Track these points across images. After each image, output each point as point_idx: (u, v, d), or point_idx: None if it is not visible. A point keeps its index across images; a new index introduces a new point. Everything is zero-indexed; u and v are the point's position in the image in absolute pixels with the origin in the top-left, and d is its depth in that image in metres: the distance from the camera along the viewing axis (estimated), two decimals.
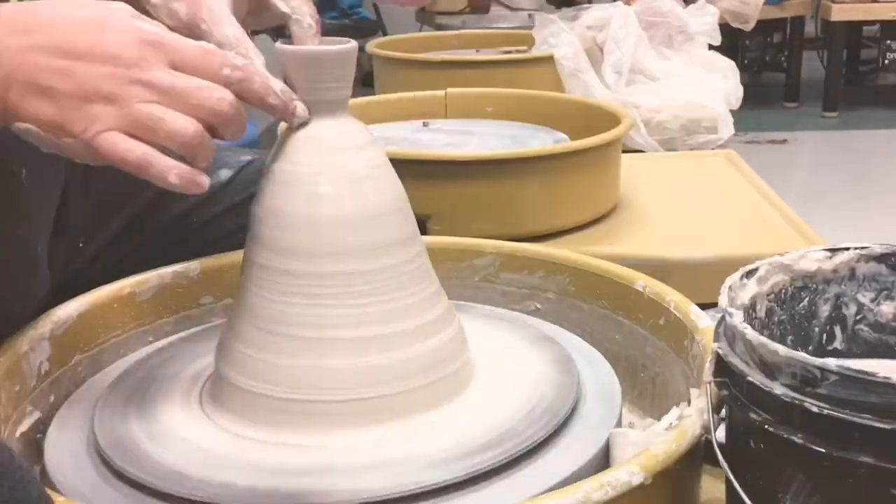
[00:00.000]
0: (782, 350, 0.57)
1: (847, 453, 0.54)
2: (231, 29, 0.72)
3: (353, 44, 0.73)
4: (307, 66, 0.72)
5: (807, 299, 0.72)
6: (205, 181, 0.67)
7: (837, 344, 0.73)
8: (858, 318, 0.72)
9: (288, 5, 0.74)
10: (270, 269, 0.71)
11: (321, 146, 0.72)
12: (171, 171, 0.65)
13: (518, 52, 2.40)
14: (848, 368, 0.54)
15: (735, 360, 0.61)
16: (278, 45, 0.73)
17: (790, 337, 0.72)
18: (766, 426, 0.58)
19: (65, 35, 0.65)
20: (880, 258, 0.71)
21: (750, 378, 0.59)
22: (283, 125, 0.75)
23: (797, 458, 0.57)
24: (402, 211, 0.74)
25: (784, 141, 4.15)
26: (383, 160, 0.74)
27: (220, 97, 0.66)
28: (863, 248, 0.71)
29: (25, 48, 0.64)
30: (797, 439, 0.56)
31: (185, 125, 0.65)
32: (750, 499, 0.59)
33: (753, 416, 0.59)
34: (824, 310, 0.72)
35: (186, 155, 0.66)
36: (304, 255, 0.70)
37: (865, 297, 0.72)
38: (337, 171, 0.72)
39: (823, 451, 0.55)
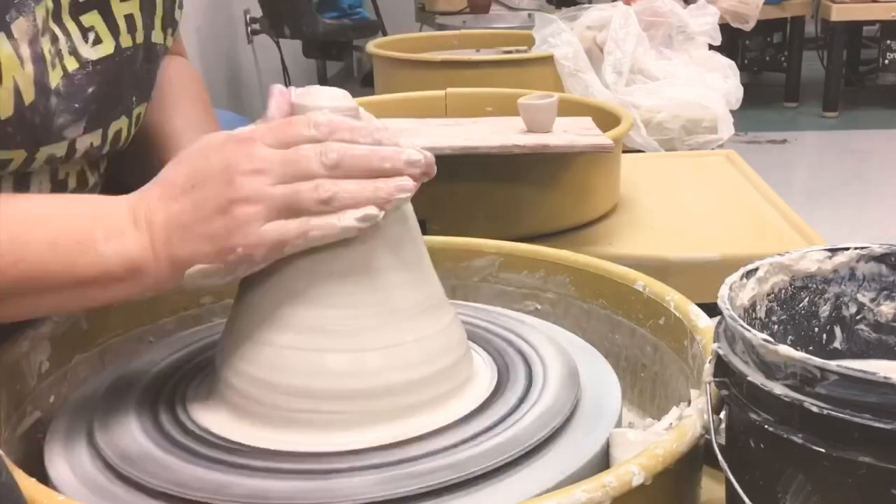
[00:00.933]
0: (782, 350, 0.57)
1: (847, 453, 0.54)
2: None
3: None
4: None
5: (807, 299, 0.72)
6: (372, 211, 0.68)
7: (837, 344, 0.73)
8: (858, 318, 0.72)
9: None
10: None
11: None
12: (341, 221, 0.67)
13: (518, 51, 2.40)
14: (848, 368, 0.54)
15: (735, 360, 0.61)
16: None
17: (790, 337, 0.72)
18: (765, 426, 0.58)
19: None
20: (880, 258, 0.71)
21: (750, 378, 0.59)
22: None
23: (797, 457, 0.57)
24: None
25: (784, 141, 4.15)
26: None
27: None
28: (863, 247, 0.71)
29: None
30: (797, 439, 0.56)
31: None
32: (750, 499, 0.59)
33: (753, 415, 0.59)
34: (824, 310, 0.72)
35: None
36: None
37: (865, 297, 0.72)
38: None
39: (823, 450, 0.55)
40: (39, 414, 0.78)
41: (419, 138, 1.29)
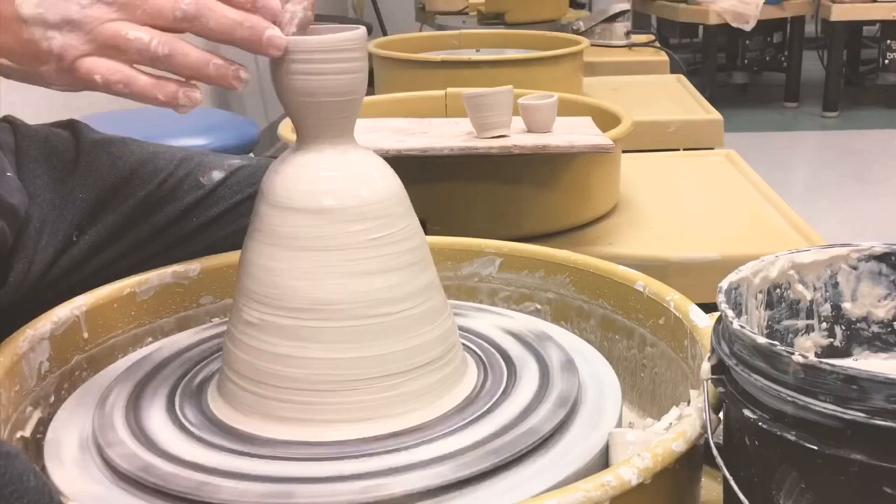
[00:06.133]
0: (778, 348, 0.57)
1: (839, 451, 0.54)
2: None
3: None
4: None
5: (806, 298, 0.72)
6: (194, 95, 0.66)
7: (837, 342, 0.73)
8: (857, 316, 0.72)
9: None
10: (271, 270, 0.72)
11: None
12: (153, 88, 0.65)
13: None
14: (845, 367, 0.54)
15: (731, 358, 0.61)
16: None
17: (790, 335, 0.72)
18: (759, 423, 0.58)
19: None
20: (881, 257, 0.71)
21: (745, 375, 0.59)
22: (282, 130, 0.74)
23: (790, 455, 0.57)
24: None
25: (783, 141, 4.15)
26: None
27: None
28: (863, 246, 0.71)
29: None
30: (790, 437, 0.56)
31: (147, 37, 0.64)
32: (745, 496, 0.59)
33: (748, 413, 0.59)
34: (824, 308, 0.72)
35: (164, 68, 0.65)
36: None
37: (865, 296, 0.72)
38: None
39: (816, 448, 0.55)
40: (39, 414, 0.78)
41: (419, 139, 1.30)
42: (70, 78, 0.67)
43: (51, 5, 0.65)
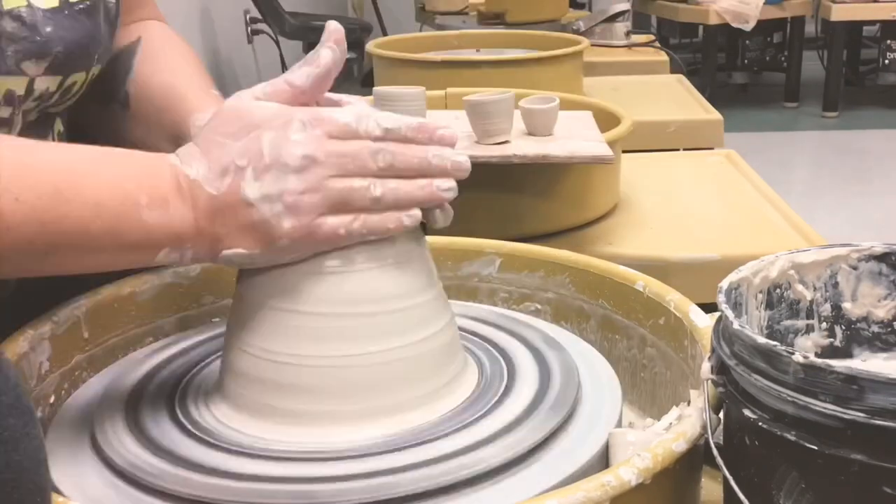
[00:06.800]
0: (778, 348, 0.57)
1: (839, 451, 0.54)
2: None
3: None
4: None
5: (806, 298, 0.72)
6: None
7: (837, 343, 0.73)
8: (857, 316, 0.72)
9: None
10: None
11: None
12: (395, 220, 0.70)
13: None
14: (844, 367, 0.54)
15: (731, 358, 0.61)
16: None
17: (790, 336, 0.72)
18: (759, 423, 0.58)
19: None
20: (881, 257, 0.71)
21: (745, 375, 0.59)
22: None
23: (790, 455, 0.57)
24: None
25: (783, 141, 4.15)
26: None
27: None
28: (863, 246, 0.71)
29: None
30: (790, 437, 0.56)
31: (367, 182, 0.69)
32: (745, 496, 0.59)
33: (748, 413, 0.59)
34: (824, 308, 0.72)
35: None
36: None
37: (865, 296, 0.72)
38: None
39: (816, 448, 0.55)
40: (39, 414, 0.78)
41: None
42: (320, 246, 0.70)
43: (270, 183, 0.67)
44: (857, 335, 0.73)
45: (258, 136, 0.68)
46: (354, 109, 0.71)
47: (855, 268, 0.71)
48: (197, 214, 0.68)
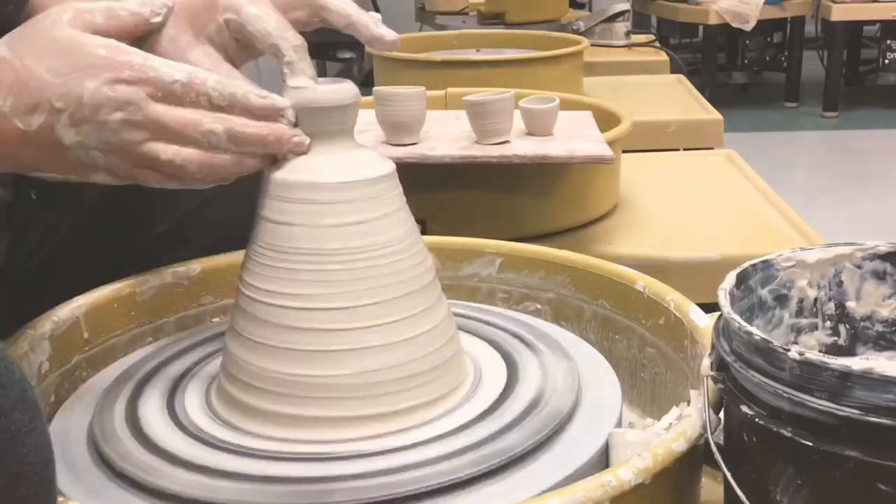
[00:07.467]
0: (774, 344, 0.57)
1: (834, 447, 0.54)
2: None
3: (352, 90, 0.73)
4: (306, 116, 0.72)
5: (810, 296, 0.72)
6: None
7: (841, 341, 0.73)
8: (861, 315, 0.72)
9: (268, 41, 0.73)
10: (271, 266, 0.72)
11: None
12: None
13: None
14: (839, 364, 0.54)
15: (730, 355, 0.61)
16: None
17: (793, 334, 0.72)
18: (757, 420, 0.58)
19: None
20: (885, 256, 0.71)
21: (743, 372, 0.59)
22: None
23: (786, 451, 0.57)
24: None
25: (783, 141, 4.15)
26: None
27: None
28: (867, 245, 0.71)
29: None
30: (786, 433, 0.56)
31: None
32: (744, 492, 0.59)
33: (746, 409, 0.59)
34: (828, 307, 0.72)
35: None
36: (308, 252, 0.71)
37: (870, 295, 0.72)
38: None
39: (812, 444, 0.55)
40: None
41: (419, 147, 1.29)
42: (129, 169, 0.70)
43: (87, 134, 0.67)
44: (861, 334, 0.73)
45: (81, 82, 0.66)
46: (187, 69, 0.68)
47: (859, 267, 0.71)
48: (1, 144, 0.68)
